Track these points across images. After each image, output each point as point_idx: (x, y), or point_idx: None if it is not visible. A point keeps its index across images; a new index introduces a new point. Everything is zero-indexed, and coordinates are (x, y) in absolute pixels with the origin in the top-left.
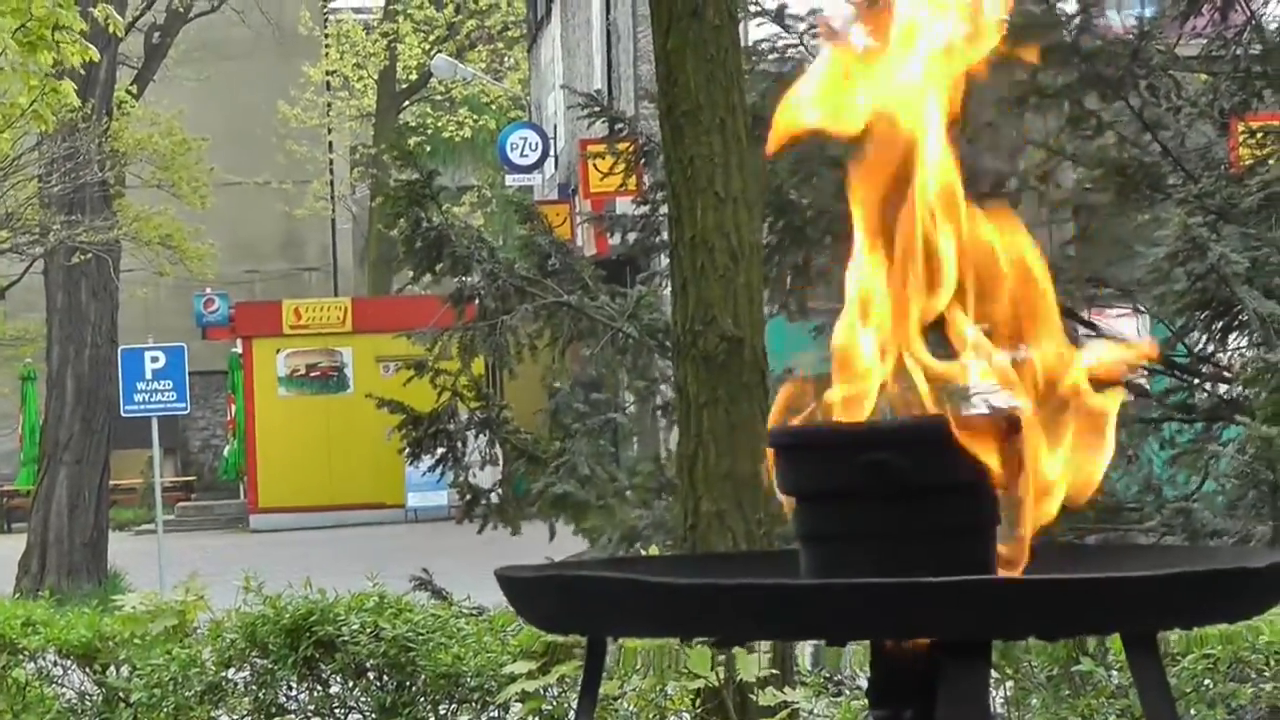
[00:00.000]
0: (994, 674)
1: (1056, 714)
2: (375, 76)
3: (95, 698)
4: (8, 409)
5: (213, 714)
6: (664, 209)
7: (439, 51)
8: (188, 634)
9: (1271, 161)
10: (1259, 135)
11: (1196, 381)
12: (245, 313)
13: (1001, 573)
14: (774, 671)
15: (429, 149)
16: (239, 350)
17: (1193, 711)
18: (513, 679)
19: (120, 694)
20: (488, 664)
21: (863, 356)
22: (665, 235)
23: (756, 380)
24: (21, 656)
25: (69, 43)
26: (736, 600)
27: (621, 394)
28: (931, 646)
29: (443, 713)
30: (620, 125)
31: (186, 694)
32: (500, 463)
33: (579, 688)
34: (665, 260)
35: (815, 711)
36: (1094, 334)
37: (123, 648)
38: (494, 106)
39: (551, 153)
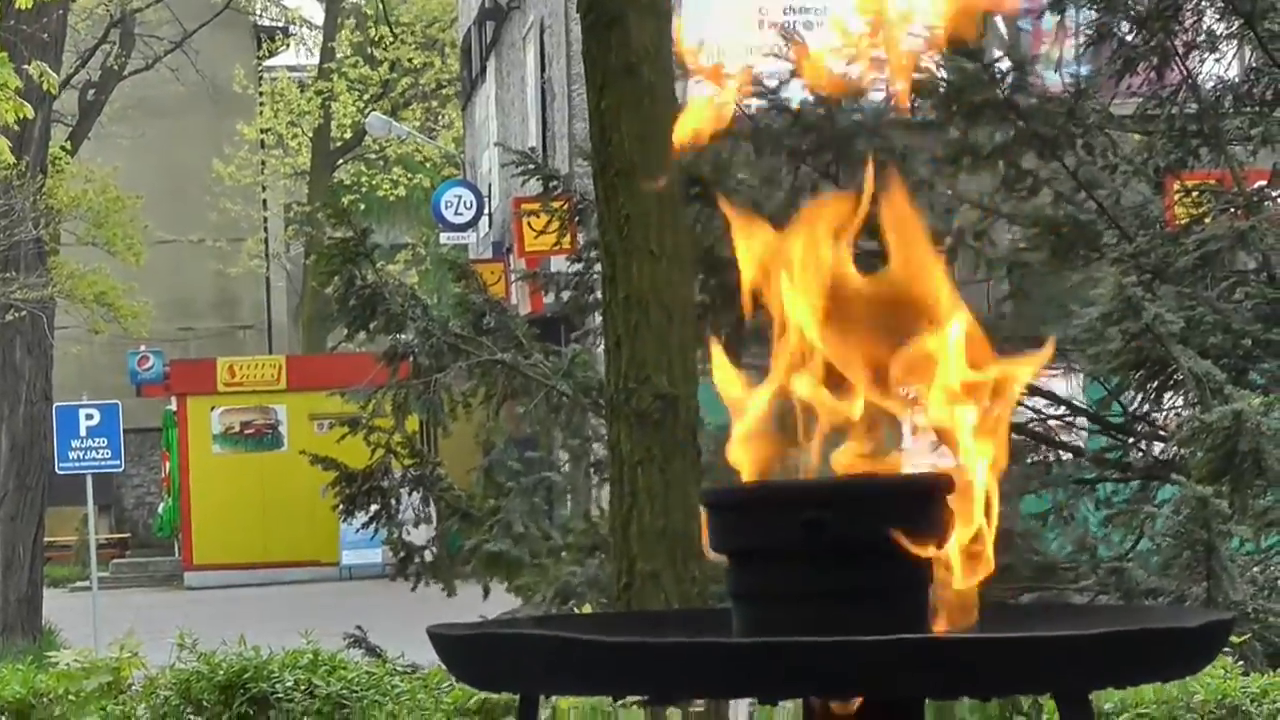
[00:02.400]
0: None
1: None
2: (309, 134)
3: None
4: None
5: None
6: (598, 267)
7: (373, 109)
8: (122, 691)
9: (1207, 220)
10: (1194, 194)
11: (1132, 441)
12: (180, 370)
13: (939, 630)
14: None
15: (363, 207)
16: (173, 407)
17: None
18: None
19: None
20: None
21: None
22: (599, 293)
23: (689, 439)
24: None
25: (3, 100)
26: (669, 659)
27: (555, 452)
28: (864, 705)
29: None
30: (555, 183)
31: None
32: (434, 520)
33: None
34: (599, 318)
35: None
36: (1027, 392)
37: (57, 704)
38: (428, 165)
39: (486, 211)
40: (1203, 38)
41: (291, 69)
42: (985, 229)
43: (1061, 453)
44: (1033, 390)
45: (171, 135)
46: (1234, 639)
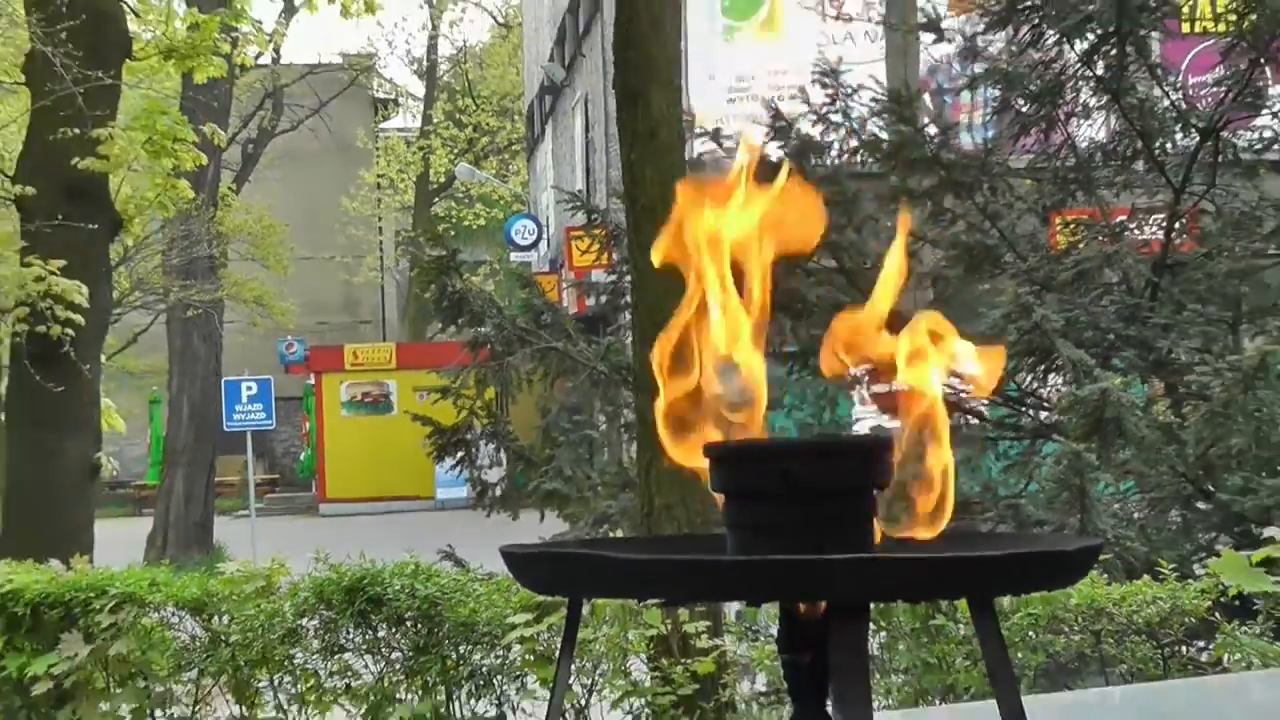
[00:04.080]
0: (871, 625)
1: (918, 656)
2: (413, 179)
3: (203, 639)
4: (138, 424)
5: (290, 652)
6: (628, 279)
7: (461, 161)
8: (273, 592)
9: (1081, 245)
10: (1072, 225)
11: (1023, 409)
12: (317, 354)
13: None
14: (708, 623)
15: (453, 233)
16: (312, 382)
17: (1020, 656)
18: (514, 627)
19: (222, 636)
20: (495, 615)
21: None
22: (628, 298)
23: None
24: (148, 608)
25: (184, 151)
26: (680, 572)
27: (595, 416)
28: (825, 607)
29: (462, 652)
30: (596, 216)
31: (271, 636)
32: (504, 464)
33: (563, 630)
34: (628, 317)
35: (739, 653)
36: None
37: (224, 602)
38: (502, 202)
39: (544, 237)
40: (1080, 109)
41: (400, 130)
42: (916, 251)
43: (971, 418)
44: (950, 371)
45: (310, 179)
46: (1101, 558)
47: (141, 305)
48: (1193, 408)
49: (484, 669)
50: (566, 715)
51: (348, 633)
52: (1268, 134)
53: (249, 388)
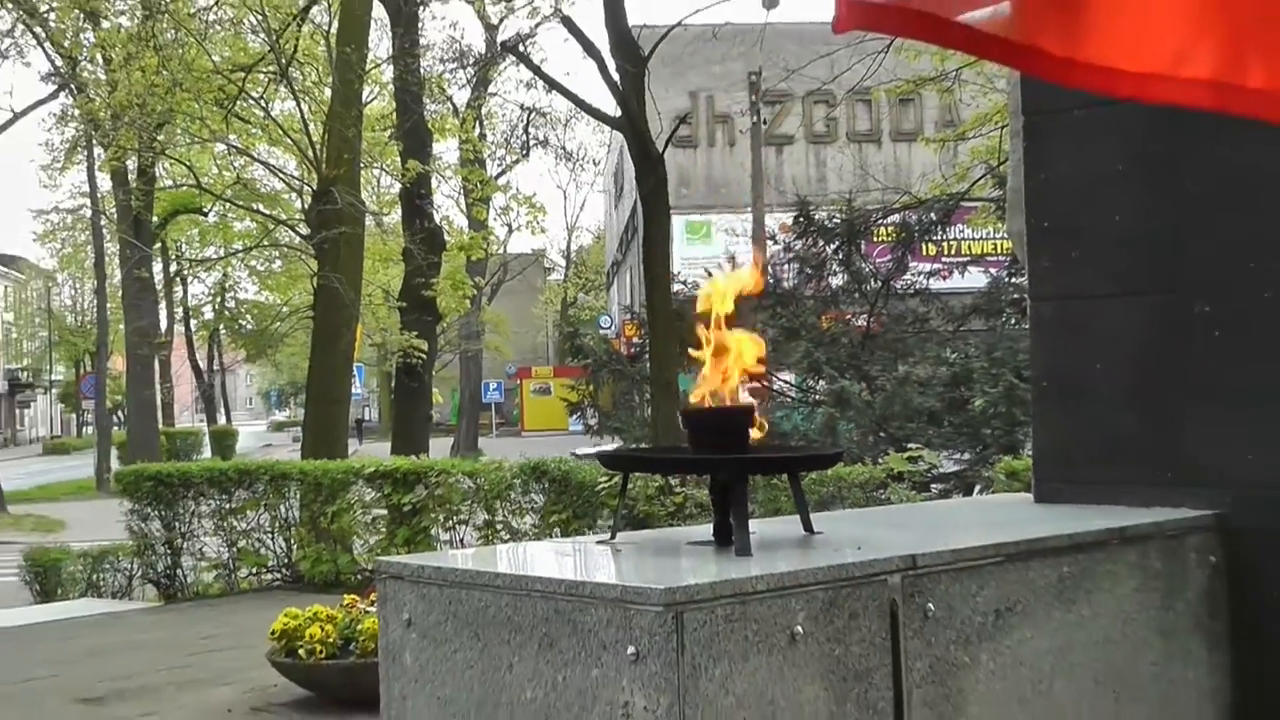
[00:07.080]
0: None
1: (766, 496)
2: (560, 300)
3: (473, 488)
4: (447, 399)
5: (509, 493)
6: (648, 340)
7: (579, 292)
8: (501, 469)
9: (832, 328)
10: (831, 319)
11: (809, 394)
12: (521, 371)
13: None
14: (680, 480)
15: (575, 321)
16: (519, 382)
17: (807, 497)
18: (600, 483)
19: (481, 487)
20: (592, 479)
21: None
22: (648, 348)
23: (676, 392)
24: (450, 474)
25: (466, 288)
26: (669, 462)
27: (634, 396)
28: (730, 476)
29: (579, 493)
30: (635, 315)
31: (501, 486)
32: (598, 418)
33: (620, 486)
34: (648, 356)
35: (691, 494)
36: (771, 382)
37: (482, 472)
38: (597, 309)
39: (614, 323)
40: (832, 272)
41: (555, 279)
42: (765, 328)
43: (786, 396)
44: (780, 378)
45: (518, 300)
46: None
47: (448, 351)
48: (879, 394)
49: (587, 499)
50: (621, 520)
51: (532, 485)
52: (911, 281)
53: (493, 385)
